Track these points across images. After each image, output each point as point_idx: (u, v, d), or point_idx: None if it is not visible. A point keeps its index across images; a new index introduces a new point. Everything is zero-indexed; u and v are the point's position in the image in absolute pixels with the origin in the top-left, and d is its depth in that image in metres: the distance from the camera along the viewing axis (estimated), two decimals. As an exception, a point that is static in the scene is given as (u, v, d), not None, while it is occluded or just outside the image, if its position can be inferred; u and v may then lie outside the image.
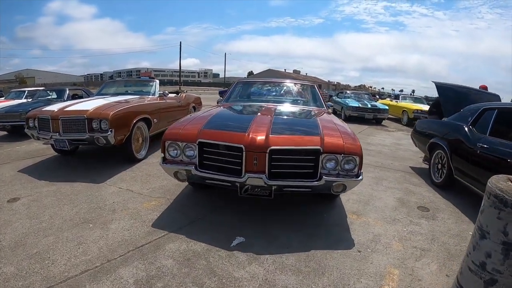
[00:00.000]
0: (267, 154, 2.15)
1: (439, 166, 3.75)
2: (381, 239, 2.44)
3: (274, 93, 4.33)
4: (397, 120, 11.40)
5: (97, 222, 2.51)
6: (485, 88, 5.52)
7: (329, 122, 2.87)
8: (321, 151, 2.21)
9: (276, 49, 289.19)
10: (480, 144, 2.90)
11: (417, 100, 12.31)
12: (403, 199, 3.33)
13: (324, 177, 2.23)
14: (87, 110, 3.77)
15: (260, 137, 2.22)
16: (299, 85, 4.47)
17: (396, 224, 2.72)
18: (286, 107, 3.68)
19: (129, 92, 5.70)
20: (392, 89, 69.29)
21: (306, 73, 68.69)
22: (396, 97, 14.69)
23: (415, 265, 2.15)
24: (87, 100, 4.56)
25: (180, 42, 42.94)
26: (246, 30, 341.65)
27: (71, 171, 3.85)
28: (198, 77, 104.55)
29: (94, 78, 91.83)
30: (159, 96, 5.46)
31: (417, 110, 10.37)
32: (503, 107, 3.06)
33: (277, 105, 3.66)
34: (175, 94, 6.88)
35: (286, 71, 58.97)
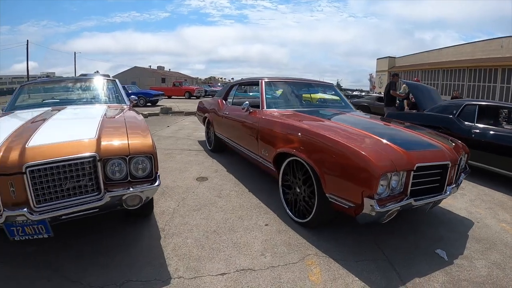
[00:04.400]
0: (457, 165, 2.28)
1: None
2: (459, 211, 2.96)
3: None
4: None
5: None
6: (418, 81, 7.58)
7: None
8: None
9: (119, 46, 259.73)
10: (474, 130, 3.98)
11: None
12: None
13: None
14: (91, 141, 1.87)
15: (450, 149, 2.30)
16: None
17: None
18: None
19: (79, 100, 3.68)
20: (232, 78, 76.11)
21: (170, 69, 66.32)
22: None
23: (489, 215, 2.92)
24: (39, 121, 2.38)
25: (28, 41, 31.87)
26: (89, 26, 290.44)
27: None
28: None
29: None
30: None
31: (320, 98, 12.17)
32: (482, 104, 4.29)
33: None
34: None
35: (151, 67, 55.55)
